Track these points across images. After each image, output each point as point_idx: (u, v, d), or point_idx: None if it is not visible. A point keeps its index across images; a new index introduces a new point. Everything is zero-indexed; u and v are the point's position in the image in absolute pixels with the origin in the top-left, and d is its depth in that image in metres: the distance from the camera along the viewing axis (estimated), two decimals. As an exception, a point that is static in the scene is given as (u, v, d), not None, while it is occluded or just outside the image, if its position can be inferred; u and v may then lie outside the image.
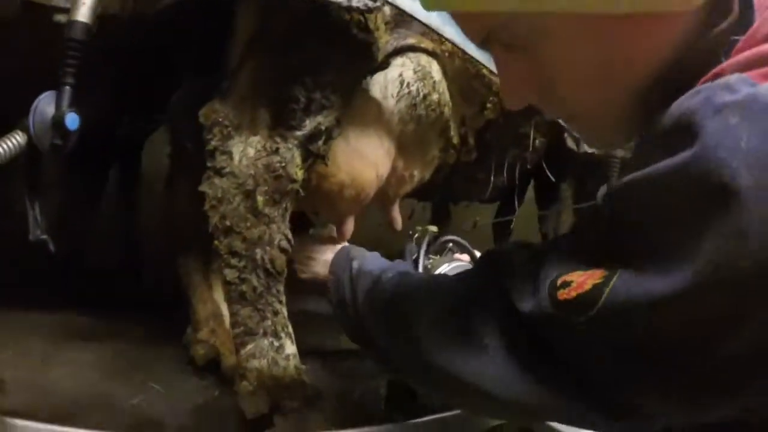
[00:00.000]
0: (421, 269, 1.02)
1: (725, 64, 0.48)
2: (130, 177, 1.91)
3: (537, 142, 1.52)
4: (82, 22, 0.86)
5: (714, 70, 0.48)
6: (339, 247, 1.02)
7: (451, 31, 1.08)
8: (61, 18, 0.92)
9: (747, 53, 0.47)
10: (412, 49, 1.21)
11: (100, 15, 0.90)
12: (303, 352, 1.06)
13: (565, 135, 1.52)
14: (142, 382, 1.18)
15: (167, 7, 0.99)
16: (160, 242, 1.57)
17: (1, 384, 0.98)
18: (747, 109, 0.41)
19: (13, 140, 0.82)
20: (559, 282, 0.52)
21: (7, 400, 0.98)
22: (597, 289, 0.48)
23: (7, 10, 0.93)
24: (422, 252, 1.03)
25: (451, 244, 1.10)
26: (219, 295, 1.31)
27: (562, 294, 0.51)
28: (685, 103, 0.46)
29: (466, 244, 1.11)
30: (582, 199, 1.74)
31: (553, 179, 1.62)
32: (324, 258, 1.01)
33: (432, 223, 1.94)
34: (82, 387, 1.12)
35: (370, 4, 0.90)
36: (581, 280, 0.50)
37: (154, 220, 1.80)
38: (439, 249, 1.08)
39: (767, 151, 0.40)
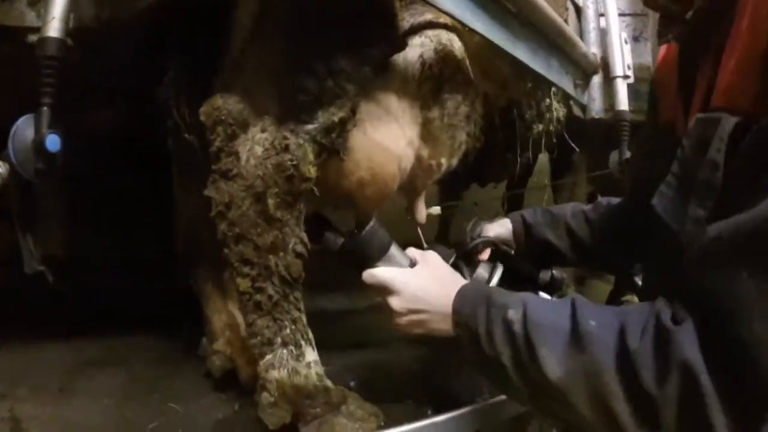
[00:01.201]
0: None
1: None
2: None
3: (560, 114, 1.46)
4: (54, 38, 0.82)
5: None
6: (454, 286, 0.78)
7: (447, 2, 0.95)
8: (34, 38, 0.87)
9: None
10: (431, 25, 1.10)
11: (75, 27, 0.86)
12: (326, 351, 1.04)
13: (571, 103, 1.45)
14: (160, 403, 1.16)
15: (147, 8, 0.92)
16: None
17: (15, 423, 0.95)
18: None
19: None
20: None
21: (25, 440, 0.94)
22: None
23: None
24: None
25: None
26: (234, 303, 1.24)
27: None
28: None
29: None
30: (594, 166, 1.68)
31: (577, 149, 1.55)
32: (433, 307, 0.78)
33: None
34: (101, 417, 1.10)
35: None
36: None
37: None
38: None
39: None
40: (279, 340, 0.97)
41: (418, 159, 1.16)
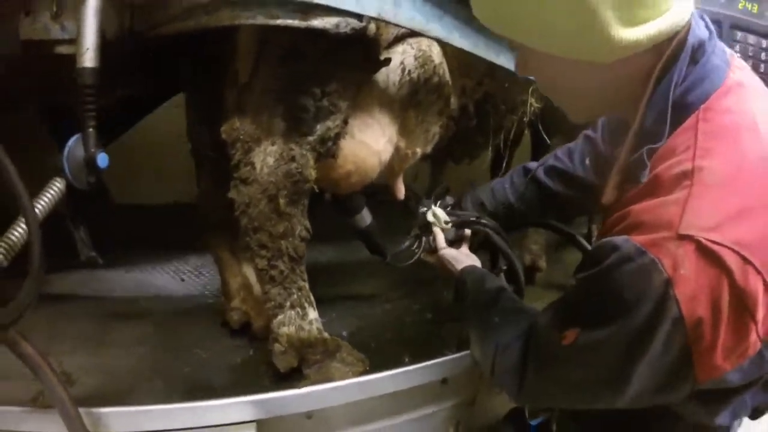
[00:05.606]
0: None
1: None
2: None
3: (534, 108, 1.56)
4: (90, 68, 0.91)
5: None
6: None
7: (436, 27, 1.10)
8: (62, 49, 0.95)
9: None
10: (413, 33, 1.22)
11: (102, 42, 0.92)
12: (321, 304, 1.24)
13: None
14: (186, 349, 1.33)
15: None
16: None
17: (67, 377, 1.06)
18: None
19: (56, 188, 0.92)
20: None
21: (78, 389, 1.07)
22: None
23: (9, 48, 0.96)
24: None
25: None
26: (247, 267, 1.42)
27: None
28: None
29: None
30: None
31: (548, 141, 1.68)
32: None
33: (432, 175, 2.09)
34: (140, 364, 1.25)
35: (357, 25, 0.94)
36: None
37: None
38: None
39: None
40: (288, 304, 1.18)
41: (396, 149, 1.32)
